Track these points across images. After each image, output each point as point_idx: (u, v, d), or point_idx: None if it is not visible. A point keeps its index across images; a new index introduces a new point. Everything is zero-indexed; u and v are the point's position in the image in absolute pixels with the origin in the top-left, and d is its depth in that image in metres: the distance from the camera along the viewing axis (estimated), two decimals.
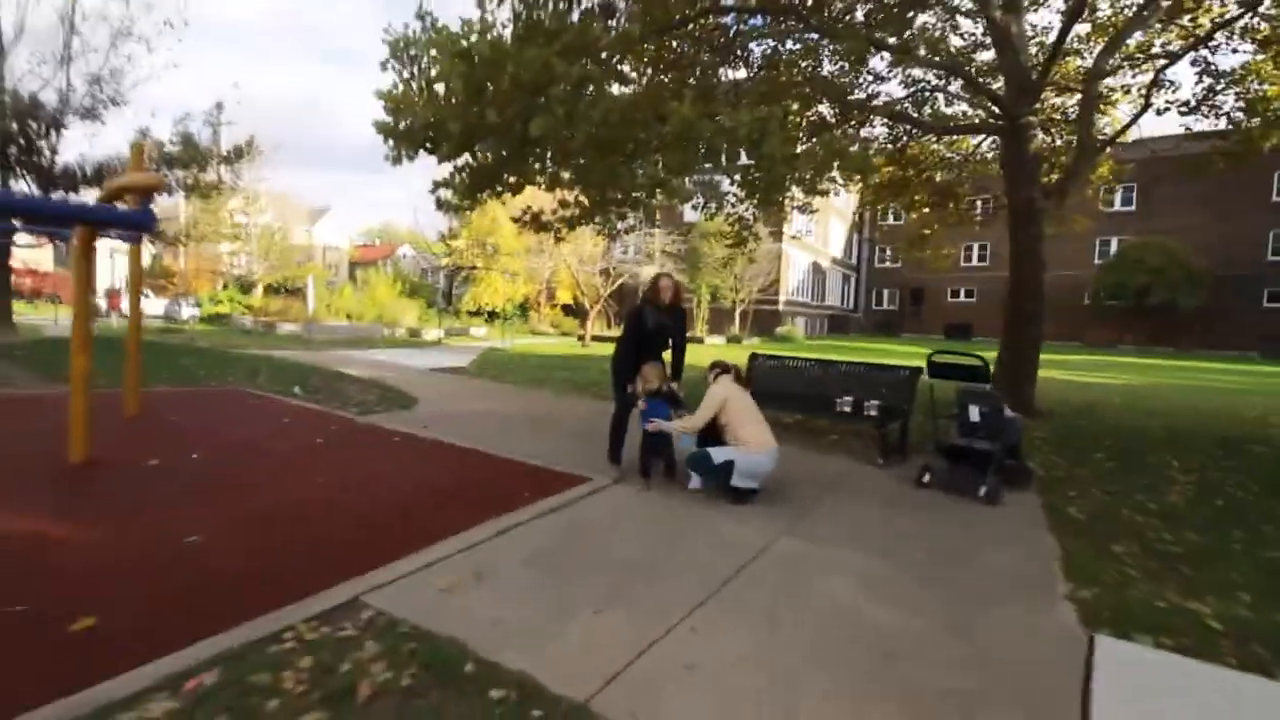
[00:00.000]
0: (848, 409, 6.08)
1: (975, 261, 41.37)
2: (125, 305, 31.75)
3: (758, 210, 11.61)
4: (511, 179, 6.24)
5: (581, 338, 23.74)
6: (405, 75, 6.15)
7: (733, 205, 11.77)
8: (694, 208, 12.56)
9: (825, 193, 10.09)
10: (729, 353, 21.32)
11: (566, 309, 34.12)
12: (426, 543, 3.46)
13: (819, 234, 37.67)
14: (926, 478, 5.09)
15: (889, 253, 47.22)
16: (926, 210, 14.16)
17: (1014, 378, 8.57)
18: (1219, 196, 30.74)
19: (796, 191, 12.09)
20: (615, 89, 6.67)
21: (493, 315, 31.23)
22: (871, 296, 47.83)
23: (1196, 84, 10.20)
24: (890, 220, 44.78)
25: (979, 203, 13.80)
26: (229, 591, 2.88)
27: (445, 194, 5.94)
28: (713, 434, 4.59)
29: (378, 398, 8.47)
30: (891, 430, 5.90)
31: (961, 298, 44.35)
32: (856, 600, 3.17)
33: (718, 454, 4.45)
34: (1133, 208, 34.51)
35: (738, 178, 10.50)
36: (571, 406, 8.78)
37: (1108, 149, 9.98)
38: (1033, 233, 8.97)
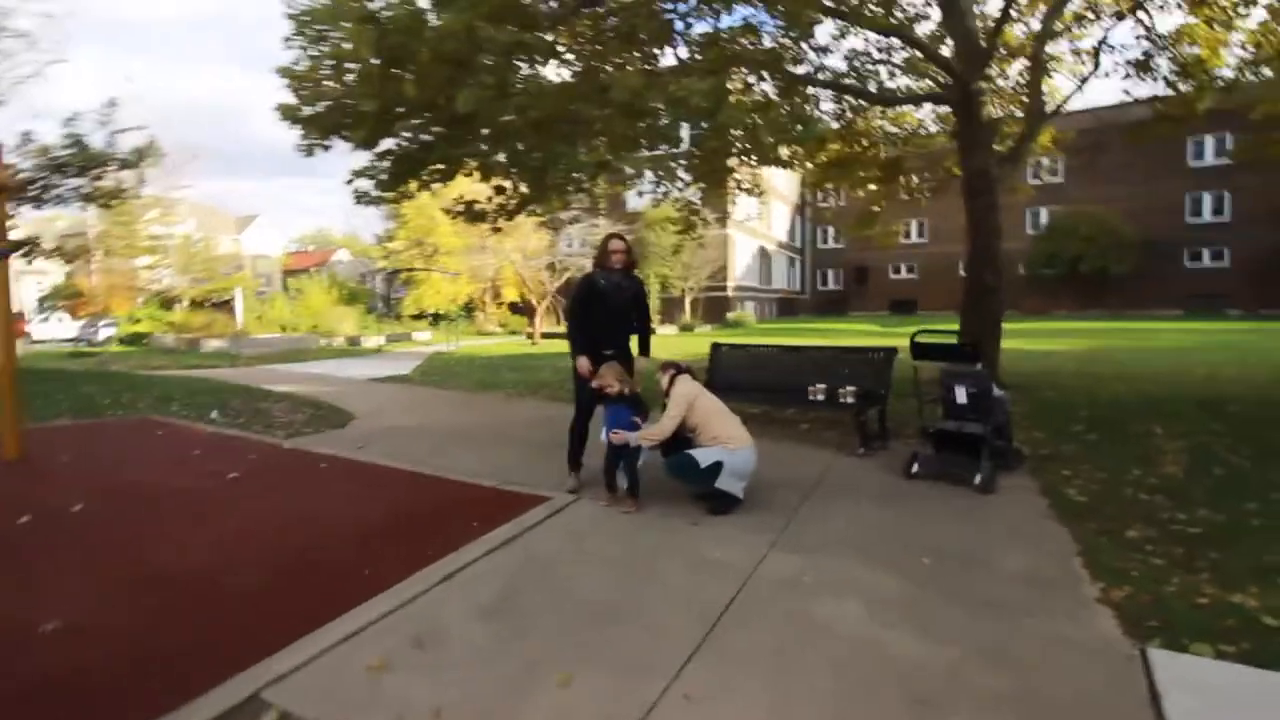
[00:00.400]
0: (821, 397, 5.65)
1: (915, 238, 42.00)
2: (32, 329, 29.54)
3: (704, 192, 11.22)
4: (440, 165, 5.56)
5: (530, 335, 22.99)
6: (313, 53, 5.43)
7: (680, 190, 11.38)
8: (639, 194, 12.06)
9: (782, 162, 9.69)
10: (683, 342, 20.89)
11: (514, 307, 33.18)
12: (354, 602, 2.84)
13: (763, 218, 37.59)
14: (915, 467, 4.68)
15: (832, 233, 47.69)
16: (873, 187, 13.98)
17: None
18: (1140, 165, 31.78)
19: (742, 171, 11.77)
20: (552, 69, 6.11)
21: (437, 318, 30.11)
22: (817, 277, 48.21)
23: (1135, 48, 10.18)
24: (833, 201, 45.26)
25: (926, 176, 13.59)
26: (83, 701, 2.22)
27: (364, 185, 5.23)
28: (675, 443, 4.06)
29: (308, 417, 7.69)
30: (870, 417, 5.49)
31: (904, 274, 45.06)
32: (872, 630, 2.69)
33: (702, 455, 3.93)
34: (1060, 179, 35.43)
35: (684, 162, 10.10)
36: (523, 411, 8.16)
37: (1054, 115, 9.79)
38: (988, 201, 8.73)
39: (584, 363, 4.37)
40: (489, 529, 3.75)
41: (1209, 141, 34.36)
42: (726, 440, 3.95)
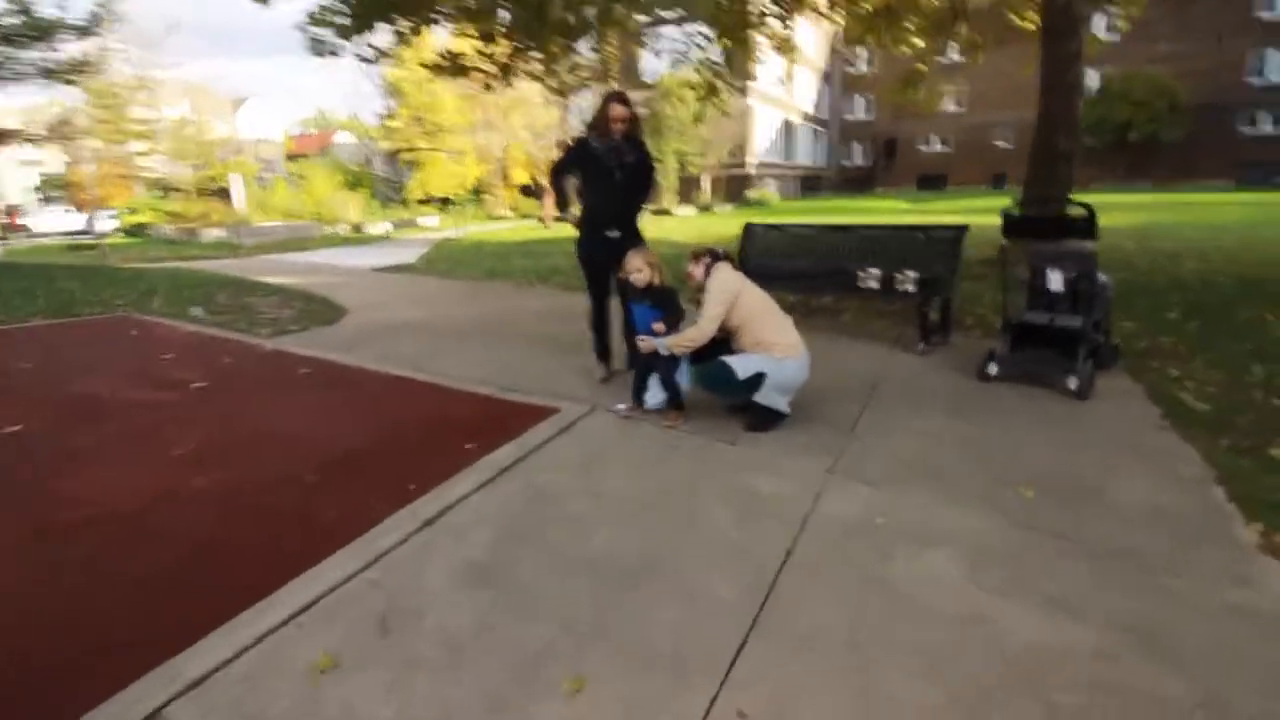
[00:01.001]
0: (875, 284, 4.83)
1: (951, 108, 39.07)
2: (31, 222, 28.81)
3: (728, 51, 9.87)
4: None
5: (542, 219, 21.87)
6: None
7: (702, 47, 10.04)
8: (655, 52, 10.68)
9: (820, 10, 8.32)
10: (704, 224, 19.72)
11: (525, 190, 31.72)
12: (306, 562, 2.24)
13: (787, 87, 34.84)
14: (993, 368, 3.94)
15: (861, 104, 44.60)
16: (920, 43, 12.34)
17: None
18: (1202, 21, 28.62)
19: (771, 23, 10.30)
20: None
21: (445, 203, 28.85)
22: (843, 152, 45.58)
23: None
24: (866, 65, 41.83)
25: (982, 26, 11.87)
26: None
27: (320, 31, 4.19)
28: (710, 346, 3.32)
29: (297, 312, 7.03)
30: (933, 307, 4.68)
31: (936, 147, 42.44)
32: (976, 600, 2.04)
33: (741, 364, 3.20)
34: (1116, 36, 32.22)
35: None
36: (534, 301, 7.43)
37: None
38: (1072, 50, 7.42)
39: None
40: (485, 452, 3.12)
41: None
42: (772, 346, 3.20)
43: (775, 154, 36.17)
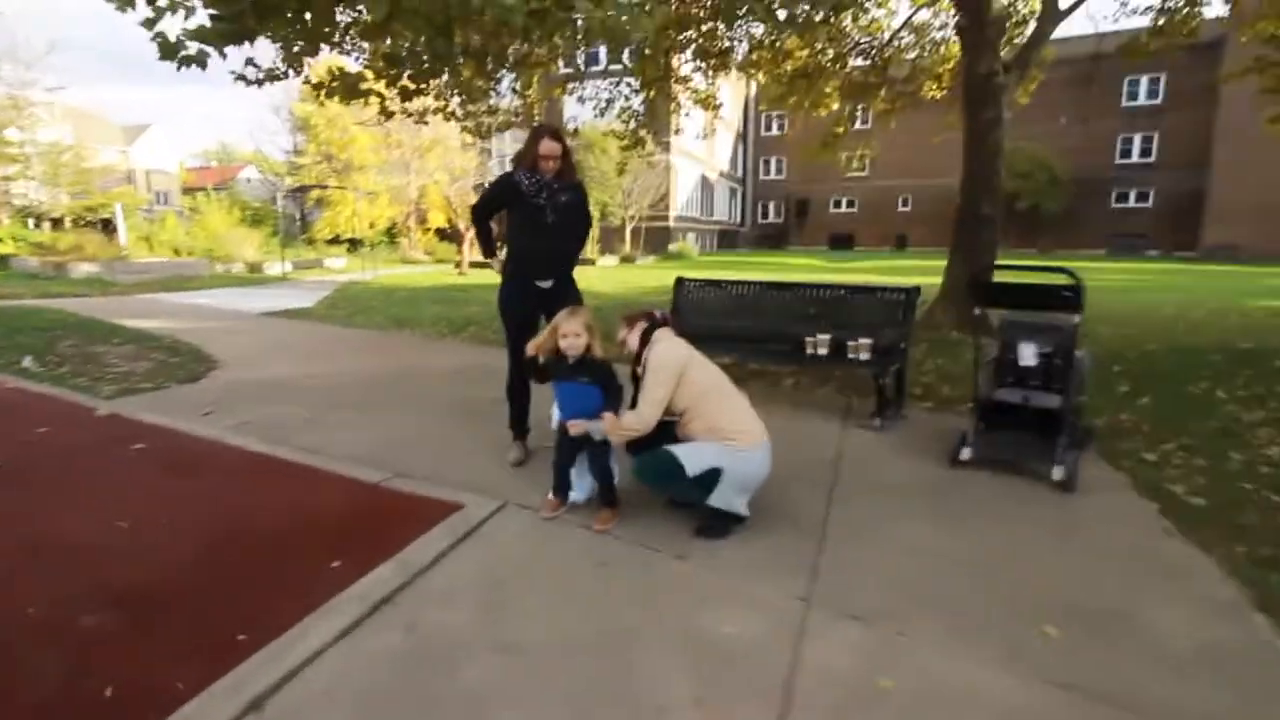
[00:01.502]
0: (824, 351, 4.36)
1: (857, 172, 41.11)
2: None
3: (651, 103, 9.69)
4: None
5: (458, 264, 20.91)
6: None
7: (626, 97, 9.80)
8: (580, 100, 10.31)
9: (744, 67, 8.18)
10: (627, 275, 19.34)
11: (441, 233, 30.64)
12: None
13: (706, 145, 35.70)
14: (966, 453, 3.48)
15: (774, 164, 46.27)
16: (835, 107, 12.57)
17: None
18: (1078, 102, 31.39)
19: (694, 79, 10.20)
20: None
21: (355, 244, 27.42)
22: (757, 210, 46.97)
23: None
24: (775, 130, 43.55)
25: (899, 89, 12.17)
26: None
27: (173, 29, 3.36)
28: (657, 431, 2.69)
29: (154, 365, 5.95)
30: (888, 376, 4.24)
31: (844, 208, 44.35)
32: None
33: (692, 456, 2.57)
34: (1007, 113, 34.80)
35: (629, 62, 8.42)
36: (443, 356, 6.62)
37: (1070, 10, 8.44)
38: (992, 115, 7.48)
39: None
40: (357, 573, 2.34)
41: (1144, 81, 34.47)
42: (731, 433, 2.61)
43: (694, 208, 36.75)
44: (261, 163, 43.43)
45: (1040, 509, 3.05)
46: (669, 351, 2.66)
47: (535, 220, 3.25)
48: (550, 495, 2.89)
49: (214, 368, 5.95)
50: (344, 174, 26.70)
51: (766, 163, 46.58)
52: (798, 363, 4.53)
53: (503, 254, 3.48)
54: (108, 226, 25.15)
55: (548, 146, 3.22)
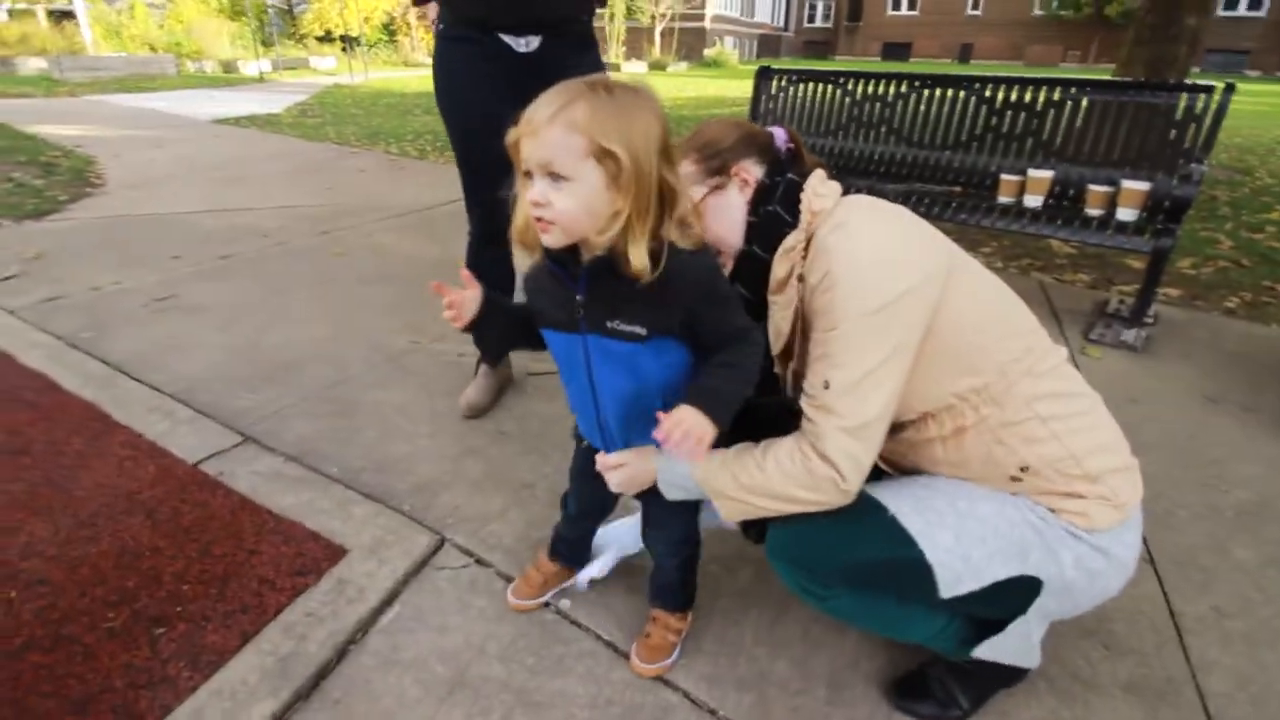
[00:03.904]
0: (1034, 201, 2.48)
1: None
2: None
3: None
4: None
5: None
6: None
7: None
8: None
9: None
10: (658, 84, 16.39)
11: None
12: None
13: None
14: None
15: None
16: None
17: None
18: None
19: None
20: None
21: (352, 42, 24.06)
22: (804, 11, 41.09)
23: None
24: None
25: None
26: None
27: None
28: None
29: (7, 188, 4.22)
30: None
31: (903, 9, 38.57)
32: None
33: (955, 536, 0.85)
34: None
35: None
36: (415, 185, 4.77)
37: None
38: None
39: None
40: None
41: None
42: (1083, 481, 0.85)
43: (733, 6, 31.88)
44: None
45: None
46: (889, 225, 0.87)
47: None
48: (543, 556, 1.25)
49: (86, 195, 4.20)
50: None
51: None
52: (982, 220, 2.57)
53: None
54: (68, 18, 22.05)
55: None
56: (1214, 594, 1.31)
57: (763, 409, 1.00)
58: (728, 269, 0.98)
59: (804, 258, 0.88)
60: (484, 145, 1.48)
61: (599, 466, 1.00)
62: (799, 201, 0.91)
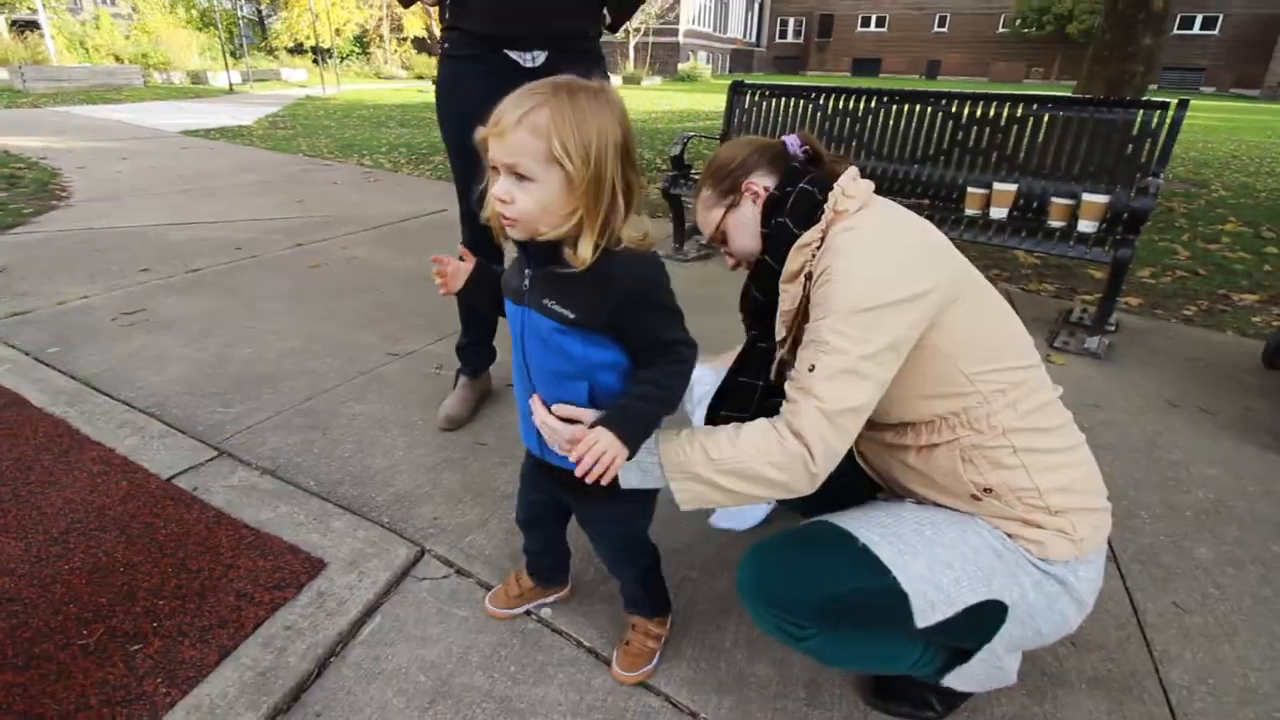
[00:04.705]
0: (999, 212, 2.55)
1: None
2: None
3: None
4: None
5: (436, 80, 18.00)
6: None
7: None
8: None
9: None
10: (634, 98, 16.53)
11: (420, 44, 26.82)
12: None
13: None
14: None
15: None
16: None
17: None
18: None
19: None
20: None
21: (323, 54, 23.89)
22: (775, 28, 41.71)
23: None
24: None
25: None
26: None
27: None
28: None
29: None
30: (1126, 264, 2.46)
31: (872, 27, 39.33)
32: None
33: (927, 561, 0.87)
34: None
35: None
36: (390, 197, 4.75)
37: None
38: None
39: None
40: None
41: None
42: (1064, 513, 0.89)
43: (706, 21, 32.29)
44: None
45: None
46: (900, 236, 0.90)
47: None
48: (520, 572, 1.25)
49: (52, 208, 4.12)
50: None
51: None
52: (949, 232, 2.63)
53: None
54: (31, 28, 21.60)
55: None
56: (1174, 591, 1.36)
57: (764, 411, 1.02)
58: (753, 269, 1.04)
59: (814, 256, 0.91)
60: (470, 165, 1.50)
61: (533, 414, 0.93)
62: (815, 207, 0.94)
